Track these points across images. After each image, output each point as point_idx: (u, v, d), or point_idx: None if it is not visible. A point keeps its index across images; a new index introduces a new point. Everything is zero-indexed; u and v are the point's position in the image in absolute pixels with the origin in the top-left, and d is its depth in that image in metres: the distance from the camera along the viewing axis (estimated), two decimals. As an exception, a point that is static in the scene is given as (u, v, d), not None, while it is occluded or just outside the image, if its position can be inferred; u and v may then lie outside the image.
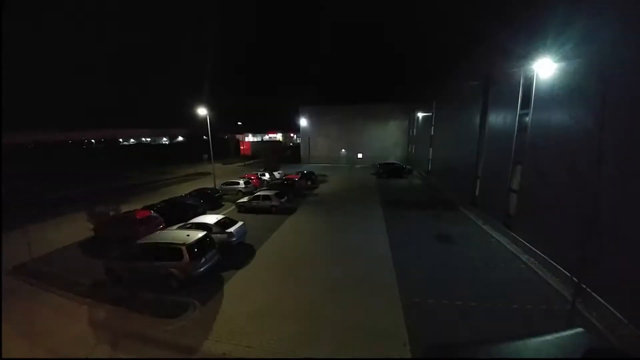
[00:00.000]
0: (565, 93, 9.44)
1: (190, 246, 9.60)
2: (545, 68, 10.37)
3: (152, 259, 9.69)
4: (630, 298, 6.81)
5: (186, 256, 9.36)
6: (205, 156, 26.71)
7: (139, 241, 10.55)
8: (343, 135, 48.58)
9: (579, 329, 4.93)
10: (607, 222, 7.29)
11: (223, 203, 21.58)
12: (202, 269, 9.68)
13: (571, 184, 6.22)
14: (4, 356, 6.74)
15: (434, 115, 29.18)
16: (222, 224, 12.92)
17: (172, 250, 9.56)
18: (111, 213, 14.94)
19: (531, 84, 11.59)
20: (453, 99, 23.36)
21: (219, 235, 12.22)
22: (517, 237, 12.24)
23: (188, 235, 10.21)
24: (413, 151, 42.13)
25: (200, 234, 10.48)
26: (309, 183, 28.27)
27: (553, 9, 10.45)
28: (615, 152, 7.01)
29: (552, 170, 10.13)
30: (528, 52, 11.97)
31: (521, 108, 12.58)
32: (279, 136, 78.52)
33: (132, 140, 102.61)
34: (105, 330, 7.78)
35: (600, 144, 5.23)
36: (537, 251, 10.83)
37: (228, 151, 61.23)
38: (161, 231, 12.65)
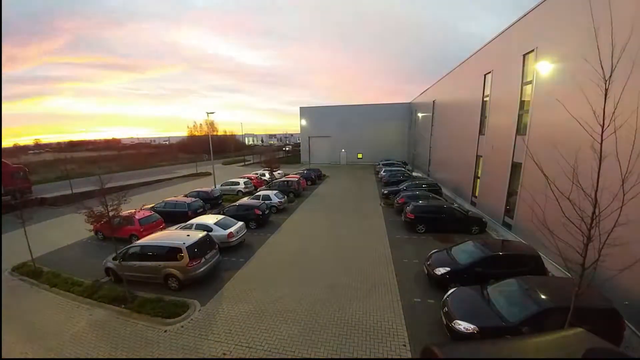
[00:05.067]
0: (565, 92, 9.43)
1: (190, 246, 9.60)
2: (545, 67, 10.39)
3: (152, 259, 9.69)
4: (630, 298, 6.81)
5: (186, 256, 9.36)
6: (206, 156, 26.70)
7: (139, 241, 10.56)
8: (343, 135, 48.57)
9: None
10: (608, 222, 7.28)
11: (223, 203, 21.58)
12: (202, 269, 9.67)
13: (572, 184, 6.23)
14: (4, 356, 6.75)
15: (434, 115, 29.17)
16: (222, 224, 12.94)
17: (172, 250, 9.56)
18: (111, 213, 14.91)
19: (531, 84, 11.58)
20: (453, 98, 23.35)
21: (219, 235, 12.24)
22: (517, 237, 12.24)
23: (188, 236, 10.21)
24: (413, 151, 42.10)
25: (200, 234, 10.48)
26: (309, 183, 28.33)
27: (553, 8, 10.46)
28: (618, 151, 7.00)
29: (552, 170, 10.11)
30: (528, 51, 12.00)
31: (521, 108, 12.59)
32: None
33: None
34: (105, 330, 7.78)
35: (601, 143, 5.21)
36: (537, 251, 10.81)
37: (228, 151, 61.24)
38: (161, 231, 12.68)
